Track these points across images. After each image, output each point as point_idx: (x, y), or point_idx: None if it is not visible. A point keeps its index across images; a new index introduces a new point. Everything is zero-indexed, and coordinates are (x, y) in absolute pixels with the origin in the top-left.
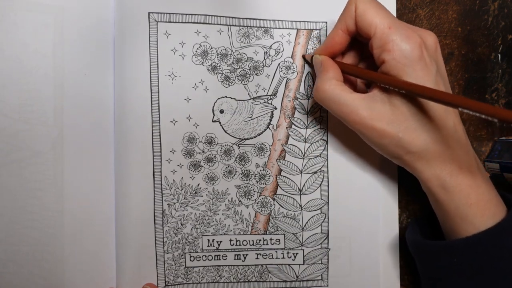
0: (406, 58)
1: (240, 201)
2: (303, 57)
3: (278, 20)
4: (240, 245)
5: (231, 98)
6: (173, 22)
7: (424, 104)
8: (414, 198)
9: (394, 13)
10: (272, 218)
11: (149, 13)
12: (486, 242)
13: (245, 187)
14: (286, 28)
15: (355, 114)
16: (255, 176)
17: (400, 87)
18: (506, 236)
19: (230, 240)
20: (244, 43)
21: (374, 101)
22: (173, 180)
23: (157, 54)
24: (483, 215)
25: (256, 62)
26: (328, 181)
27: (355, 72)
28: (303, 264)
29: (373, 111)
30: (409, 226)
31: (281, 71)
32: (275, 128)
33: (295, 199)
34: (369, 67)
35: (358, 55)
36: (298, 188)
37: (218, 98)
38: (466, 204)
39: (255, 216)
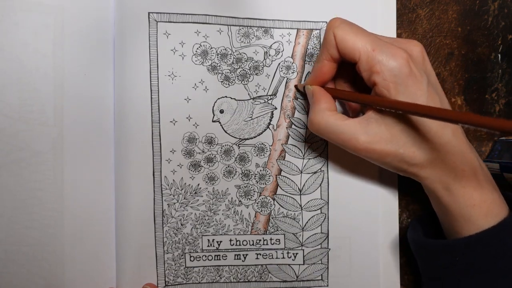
0: (396, 77)
1: (240, 201)
2: (295, 87)
3: (278, 20)
4: (240, 245)
5: (231, 98)
6: (173, 22)
7: (417, 119)
8: (414, 198)
9: (394, 13)
10: (272, 218)
11: (149, 13)
12: (487, 241)
13: (245, 187)
14: (286, 28)
15: (354, 140)
16: (255, 176)
17: (394, 108)
18: (507, 235)
19: (230, 240)
20: (244, 43)
21: (369, 123)
22: (173, 180)
23: (157, 54)
24: (486, 215)
25: (256, 62)
26: (328, 181)
27: (348, 97)
28: (303, 264)
29: (370, 135)
30: (410, 225)
31: (281, 71)
32: (275, 128)
33: (295, 199)
34: (364, 85)
35: (351, 75)
36: (298, 188)
37: (218, 98)
38: (470, 205)
39: (255, 216)
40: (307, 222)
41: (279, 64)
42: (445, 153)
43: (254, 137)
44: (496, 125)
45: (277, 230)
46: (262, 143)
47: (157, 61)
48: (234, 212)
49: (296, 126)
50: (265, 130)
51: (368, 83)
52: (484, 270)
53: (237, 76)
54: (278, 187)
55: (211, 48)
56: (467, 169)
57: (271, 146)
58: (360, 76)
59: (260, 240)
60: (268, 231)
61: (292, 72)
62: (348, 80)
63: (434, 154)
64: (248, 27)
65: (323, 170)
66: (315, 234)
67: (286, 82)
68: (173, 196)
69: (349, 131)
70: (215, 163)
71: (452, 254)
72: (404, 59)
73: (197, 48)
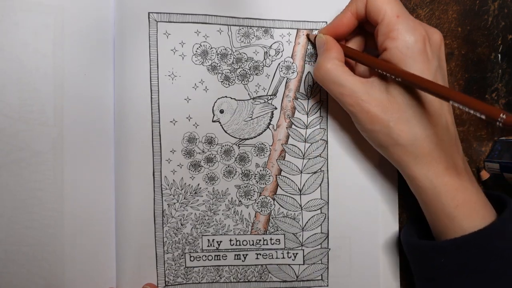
0: (408, 49)
1: (240, 201)
2: (307, 35)
3: (278, 20)
4: (240, 245)
5: (231, 98)
6: (173, 22)
7: (420, 97)
8: (414, 198)
9: None
10: (272, 218)
11: (149, 13)
12: (478, 243)
13: (245, 187)
14: (286, 28)
15: (353, 96)
16: (255, 176)
17: (397, 75)
18: (495, 239)
19: (230, 240)
20: (244, 43)
21: (372, 87)
22: (173, 180)
23: (157, 54)
24: (470, 216)
25: (256, 62)
26: (328, 181)
27: (357, 57)
28: (303, 264)
29: (370, 96)
30: (405, 225)
31: (281, 71)
32: (275, 128)
33: (295, 199)
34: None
35: (362, 45)
36: (298, 188)
37: (218, 98)
38: (452, 205)
39: (255, 216)
40: (307, 222)
41: (279, 64)
42: (432, 144)
43: (254, 137)
44: (484, 109)
45: (277, 230)
46: (262, 143)
47: (157, 61)
48: (234, 212)
49: (296, 126)
50: (265, 130)
51: (380, 48)
52: (476, 271)
53: (237, 76)
54: (278, 187)
55: (211, 48)
56: (451, 168)
57: (271, 146)
58: (370, 48)
59: (260, 240)
60: (268, 231)
61: (292, 72)
62: (359, 47)
63: (421, 141)
64: (248, 27)
65: (323, 170)
66: (315, 234)
67: (286, 82)
68: (173, 196)
69: (352, 86)
70: (215, 163)
71: (442, 255)
72: (421, 36)
73: (197, 48)
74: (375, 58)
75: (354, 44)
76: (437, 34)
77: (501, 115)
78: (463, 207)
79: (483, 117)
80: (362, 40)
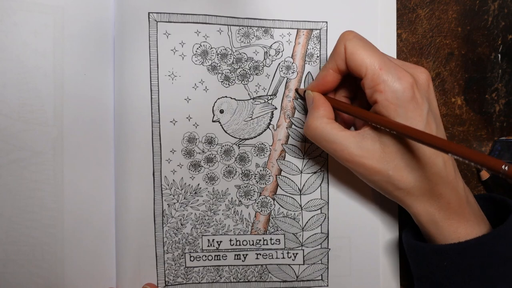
0: (398, 99)
1: (240, 201)
2: (296, 90)
3: (278, 20)
4: (240, 245)
5: (231, 98)
6: (173, 22)
7: (413, 144)
8: None
9: (394, 13)
10: (272, 218)
11: (149, 13)
12: (478, 248)
13: (245, 187)
14: (286, 28)
15: (346, 152)
16: (255, 176)
17: (391, 128)
18: (498, 244)
19: (230, 240)
20: (244, 43)
21: (364, 139)
22: (173, 180)
23: (157, 54)
24: None
25: (256, 62)
26: (328, 181)
27: (347, 110)
28: (303, 264)
29: (363, 150)
30: (407, 227)
31: (281, 71)
32: (275, 128)
33: (295, 199)
34: (364, 101)
35: (352, 90)
36: (298, 188)
37: (218, 98)
38: (455, 238)
39: (255, 216)
40: (307, 222)
41: (279, 64)
42: (433, 184)
43: (254, 137)
44: (486, 162)
45: (277, 230)
46: (262, 143)
47: (157, 61)
48: (234, 212)
49: (296, 126)
50: (265, 130)
51: (369, 100)
52: (473, 276)
53: (237, 76)
54: (278, 187)
55: (211, 48)
56: (453, 201)
57: (271, 146)
58: (361, 93)
59: (260, 240)
60: (268, 231)
61: (292, 72)
62: (348, 95)
63: (422, 183)
64: (248, 27)
65: (323, 170)
66: (315, 234)
67: (286, 82)
68: (173, 196)
69: (344, 142)
70: (215, 163)
71: (440, 258)
72: (409, 83)
73: (197, 48)
74: (366, 112)
75: (345, 91)
76: (423, 74)
77: (503, 166)
78: (465, 239)
79: (484, 169)
80: (352, 86)
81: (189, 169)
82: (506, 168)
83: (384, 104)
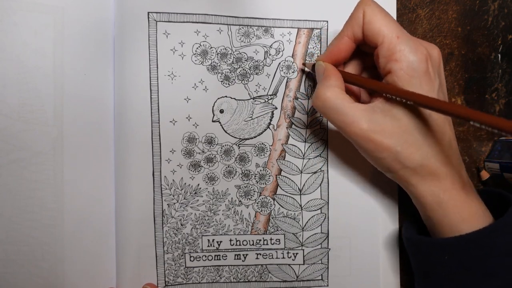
0: (413, 70)
1: (240, 201)
2: (303, 64)
3: (279, 19)
4: (240, 245)
5: (231, 98)
6: (173, 21)
7: (425, 117)
8: None
9: (394, 13)
10: (272, 218)
11: (148, 13)
12: (477, 241)
13: (245, 187)
14: (287, 27)
15: (355, 125)
16: (255, 176)
17: (407, 98)
18: (498, 237)
19: (230, 240)
20: (244, 42)
21: (375, 112)
22: (173, 180)
23: (157, 54)
24: (476, 228)
25: (256, 61)
26: (328, 181)
27: (358, 82)
28: (303, 264)
29: (373, 123)
30: (406, 221)
31: (282, 70)
32: (275, 128)
33: (295, 199)
34: (371, 78)
35: (360, 66)
36: (298, 188)
37: (218, 98)
38: (459, 219)
39: (255, 216)
40: (307, 222)
41: (280, 63)
42: (439, 163)
43: (254, 137)
44: (500, 124)
45: (277, 230)
46: (262, 143)
47: (157, 61)
48: (234, 212)
49: (296, 126)
50: (265, 130)
51: (382, 70)
52: (474, 268)
53: (237, 76)
54: (278, 187)
55: (211, 47)
56: (458, 183)
57: (271, 146)
58: (369, 71)
59: (260, 240)
60: (268, 231)
61: (293, 72)
62: (358, 71)
63: (429, 161)
64: (248, 27)
65: (323, 170)
66: (315, 234)
67: (287, 82)
68: (173, 196)
69: (354, 114)
70: (215, 163)
71: (441, 253)
72: (424, 56)
73: (197, 48)
74: (379, 82)
75: (352, 66)
76: (435, 50)
77: None
78: (469, 221)
79: (503, 133)
80: (359, 61)
81: (189, 169)
82: None
83: (399, 74)
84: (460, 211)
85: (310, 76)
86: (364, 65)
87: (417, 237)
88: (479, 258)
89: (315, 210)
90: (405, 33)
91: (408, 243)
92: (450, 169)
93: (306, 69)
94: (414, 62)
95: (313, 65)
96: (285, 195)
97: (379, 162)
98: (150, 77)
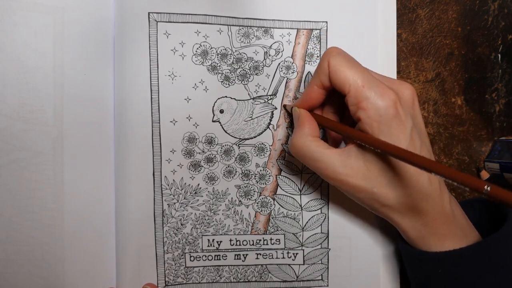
0: (380, 116)
1: (240, 201)
2: (284, 106)
3: (278, 20)
4: (240, 245)
5: (231, 98)
6: (173, 22)
7: (396, 161)
8: None
9: (394, 13)
10: (272, 218)
11: (149, 13)
12: (470, 256)
13: (245, 187)
14: (286, 28)
15: (330, 170)
16: (255, 176)
17: (374, 146)
18: (493, 252)
19: (230, 240)
20: (244, 43)
21: (349, 156)
22: (173, 180)
23: (157, 54)
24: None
25: (256, 62)
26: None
27: (332, 127)
28: (303, 264)
29: (348, 168)
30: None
31: (281, 71)
32: (275, 128)
33: (295, 199)
34: (352, 118)
35: (341, 105)
36: (298, 188)
37: (218, 98)
38: (442, 248)
39: (255, 216)
40: (307, 222)
41: (279, 64)
42: (418, 200)
43: (254, 137)
44: (469, 182)
45: (277, 230)
46: (262, 143)
47: (157, 61)
48: (234, 212)
49: None
50: (265, 130)
51: (353, 117)
52: (468, 283)
53: (237, 76)
54: (278, 187)
55: (211, 48)
56: (439, 217)
57: (271, 146)
58: (347, 110)
59: (260, 240)
60: (268, 231)
61: (292, 72)
62: (337, 109)
63: (407, 199)
64: (248, 27)
65: None
66: (315, 234)
67: (286, 82)
68: (173, 196)
69: (328, 160)
70: (215, 163)
71: (435, 266)
72: (391, 101)
73: (197, 48)
74: (351, 129)
75: (332, 106)
76: (407, 90)
77: (485, 187)
78: (452, 247)
79: (467, 189)
80: (340, 101)
81: (189, 169)
82: (489, 188)
83: (367, 121)
84: (442, 244)
85: (310, 76)
86: (344, 104)
87: (412, 249)
88: (473, 273)
89: (315, 210)
90: (371, 79)
91: (403, 254)
92: (430, 204)
93: (287, 110)
94: (381, 109)
95: (292, 108)
96: (285, 195)
97: (359, 201)
98: (150, 77)
